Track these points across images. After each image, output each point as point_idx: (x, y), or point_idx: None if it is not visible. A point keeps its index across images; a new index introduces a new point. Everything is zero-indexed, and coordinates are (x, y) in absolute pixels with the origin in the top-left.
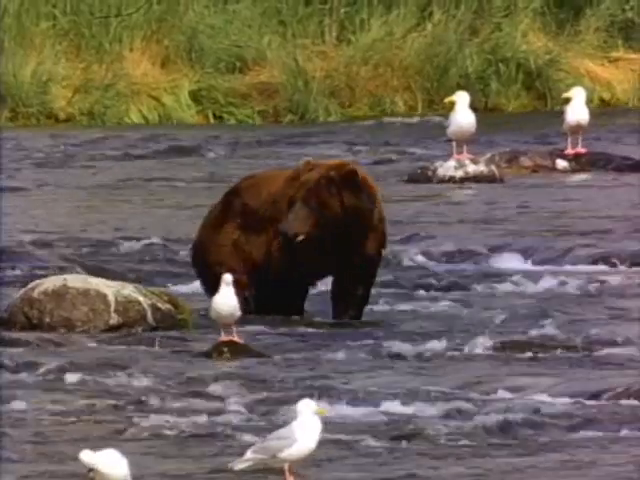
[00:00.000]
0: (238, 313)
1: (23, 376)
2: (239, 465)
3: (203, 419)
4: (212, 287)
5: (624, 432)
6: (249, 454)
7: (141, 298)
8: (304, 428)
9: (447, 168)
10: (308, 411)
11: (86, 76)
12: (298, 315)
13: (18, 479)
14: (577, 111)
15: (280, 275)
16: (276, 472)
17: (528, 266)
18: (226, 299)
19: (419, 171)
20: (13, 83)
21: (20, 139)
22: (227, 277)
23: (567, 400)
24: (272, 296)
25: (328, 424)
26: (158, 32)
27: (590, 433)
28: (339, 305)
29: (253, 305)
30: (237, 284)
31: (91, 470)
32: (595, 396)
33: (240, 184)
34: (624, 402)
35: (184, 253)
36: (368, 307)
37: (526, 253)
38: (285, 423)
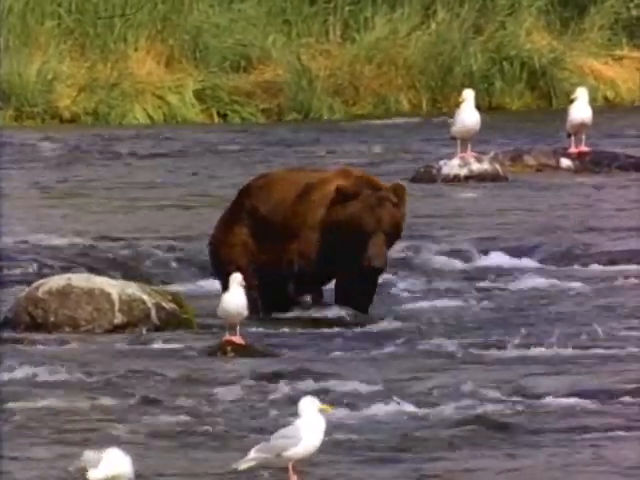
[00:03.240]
0: (245, 313)
1: (27, 375)
2: (243, 465)
3: (207, 418)
4: (224, 285)
5: (625, 432)
6: (253, 454)
7: (145, 297)
8: (309, 426)
9: (451, 167)
10: (312, 409)
11: (91, 75)
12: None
13: (19, 479)
14: (580, 110)
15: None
16: (276, 471)
17: (532, 264)
18: (234, 298)
19: (423, 170)
20: (18, 82)
21: (24, 138)
22: (236, 276)
23: (568, 399)
24: (282, 297)
25: (332, 424)
26: (163, 31)
27: (592, 433)
28: (343, 300)
29: (260, 305)
30: (246, 284)
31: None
32: (595, 395)
33: (252, 183)
34: (625, 401)
35: (188, 252)
36: (372, 306)
37: (530, 251)
38: (289, 422)
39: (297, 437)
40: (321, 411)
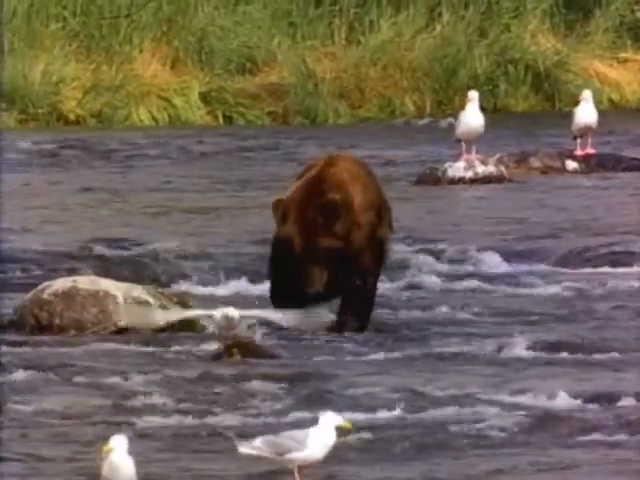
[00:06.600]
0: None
1: (33, 377)
2: (246, 450)
3: (212, 420)
4: None
5: (625, 434)
6: (259, 443)
7: (151, 299)
8: (319, 437)
9: (456, 169)
10: (329, 424)
11: (96, 77)
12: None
13: (20, 479)
14: (586, 113)
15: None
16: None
17: (536, 267)
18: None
19: (428, 172)
20: (23, 84)
21: (29, 140)
22: None
23: (569, 402)
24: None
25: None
26: (168, 33)
27: (591, 435)
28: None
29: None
30: None
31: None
32: (597, 398)
33: None
34: (626, 404)
35: (193, 254)
36: (375, 308)
37: (535, 254)
38: (297, 424)
39: (304, 444)
40: (340, 427)
